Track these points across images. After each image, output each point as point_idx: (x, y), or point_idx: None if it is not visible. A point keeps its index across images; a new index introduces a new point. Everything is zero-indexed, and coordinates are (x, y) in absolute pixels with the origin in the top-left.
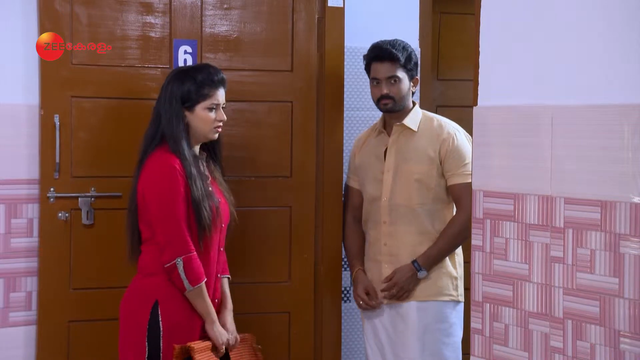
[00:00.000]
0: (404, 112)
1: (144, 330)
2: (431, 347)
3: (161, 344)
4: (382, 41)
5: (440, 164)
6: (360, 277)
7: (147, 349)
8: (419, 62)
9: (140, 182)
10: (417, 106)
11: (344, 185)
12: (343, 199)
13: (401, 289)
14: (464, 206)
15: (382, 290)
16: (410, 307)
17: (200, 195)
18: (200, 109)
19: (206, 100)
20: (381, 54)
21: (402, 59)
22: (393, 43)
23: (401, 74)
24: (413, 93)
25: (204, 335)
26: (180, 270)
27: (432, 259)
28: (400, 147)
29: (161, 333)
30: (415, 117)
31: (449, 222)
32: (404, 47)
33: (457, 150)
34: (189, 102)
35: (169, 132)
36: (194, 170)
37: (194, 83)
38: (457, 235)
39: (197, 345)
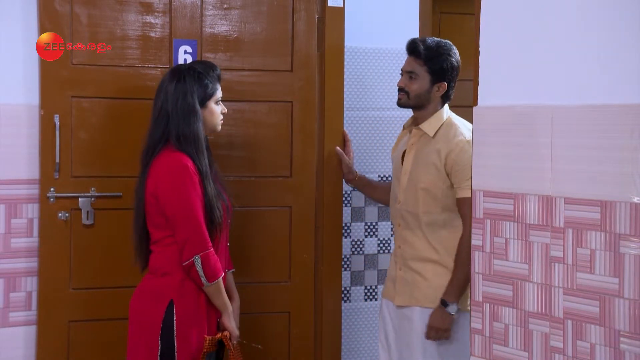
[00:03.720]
0: (426, 114)
1: (157, 329)
2: (432, 352)
3: (175, 343)
4: (422, 37)
5: (447, 174)
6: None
7: (159, 348)
8: (451, 69)
9: (150, 183)
10: (442, 111)
11: None
12: None
13: (438, 330)
14: (468, 223)
15: (427, 339)
16: (413, 312)
17: (214, 195)
18: (211, 103)
19: (215, 94)
20: (409, 47)
21: (425, 57)
22: (428, 40)
23: (421, 71)
24: (445, 99)
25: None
26: (198, 268)
27: (457, 290)
28: (417, 151)
29: (175, 332)
30: (435, 123)
31: (458, 245)
32: (438, 49)
33: (463, 162)
34: (204, 98)
35: (185, 130)
36: (208, 170)
37: (205, 79)
38: (469, 256)
39: (225, 333)
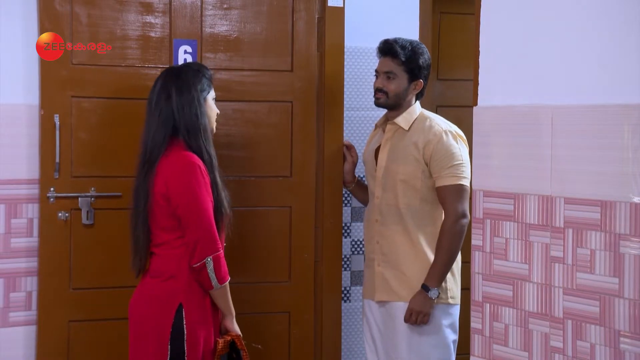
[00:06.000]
0: (401, 110)
1: (167, 335)
2: (417, 347)
3: (185, 347)
4: (393, 38)
5: (427, 165)
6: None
7: (169, 353)
8: (426, 67)
9: (160, 183)
10: (414, 106)
11: None
12: None
13: (418, 313)
14: (449, 210)
15: (405, 322)
16: (397, 308)
17: (222, 186)
18: (210, 99)
19: (212, 91)
20: (384, 48)
21: (403, 57)
22: (400, 40)
23: (399, 71)
24: (419, 97)
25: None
26: (209, 269)
27: (438, 275)
28: (393, 146)
29: (185, 336)
30: (409, 117)
31: (439, 232)
32: (413, 48)
33: (442, 151)
34: (204, 93)
35: (195, 123)
36: (216, 160)
37: (203, 75)
38: (451, 242)
39: (234, 334)
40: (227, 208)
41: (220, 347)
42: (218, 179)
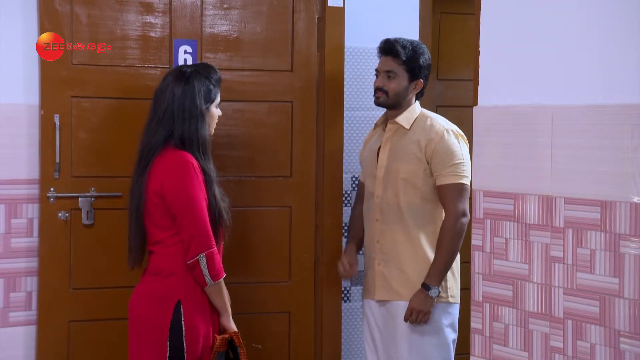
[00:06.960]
0: (401, 110)
1: (166, 331)
2: (418, 347)
3: (184, 343)
4: (394, 37)
5: (428, 163)
6: (349, 250)
7: (168, 349)
8: (427, 67)
9: (154, 182)
10: (414, 105)
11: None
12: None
13: (419, 312)
14: (450, 209)
15: (405, 321)
16: (398, 307)
17: (221, 197)
18: (213, 107)
19: (217, 97)
20: (384, 47)
21: (404, 56)
22: (400, 40)
23: (399, 70)
24: (418, 96)
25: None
26: (202, 266)
27: (438, 274)
28: (394, 144)
29: (183, 332)
30: (410, 116)
31: (440, 231)
32: (413, 47)
33: (444, 150)
34: (207, 101)
35: (192, 133)
36: (215, 173)
37: (211, 82)
38: (451, 241)
39: (236, 332)
40: (227, 220)
41: (217, 344)
42: (217, 192)
